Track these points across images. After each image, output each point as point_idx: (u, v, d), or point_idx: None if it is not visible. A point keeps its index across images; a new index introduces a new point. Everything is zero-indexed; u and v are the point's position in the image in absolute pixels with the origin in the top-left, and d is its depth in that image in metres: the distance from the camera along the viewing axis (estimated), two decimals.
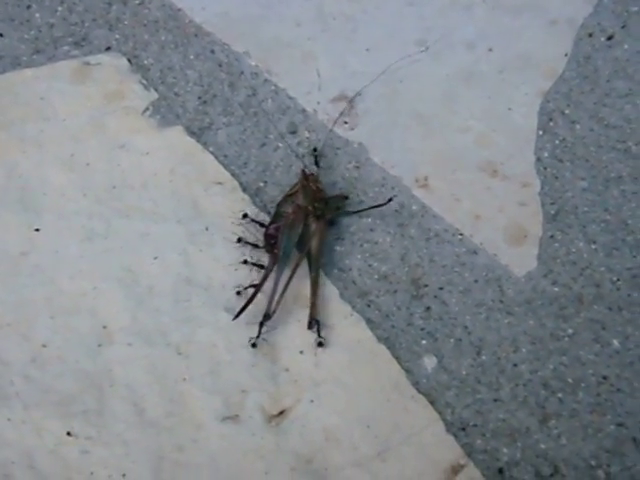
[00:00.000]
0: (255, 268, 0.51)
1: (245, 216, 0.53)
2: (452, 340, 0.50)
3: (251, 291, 0.50)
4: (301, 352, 0.49)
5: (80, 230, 0.53)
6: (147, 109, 0.57)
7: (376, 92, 0.56)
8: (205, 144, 0.56)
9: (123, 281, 0.51)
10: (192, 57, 0.59)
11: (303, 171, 0.53)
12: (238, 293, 0.51)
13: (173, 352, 0.49)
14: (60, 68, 0.58)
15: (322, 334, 0.49)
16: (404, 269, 0.52)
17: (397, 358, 0.49)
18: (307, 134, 0.56)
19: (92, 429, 0.48)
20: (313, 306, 0.50)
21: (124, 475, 0.47)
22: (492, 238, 0.52)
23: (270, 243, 0.51)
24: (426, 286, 0.51)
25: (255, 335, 0.49)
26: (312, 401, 0.48)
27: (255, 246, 0.52)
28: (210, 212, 0.53)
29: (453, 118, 0.55)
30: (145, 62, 0.59)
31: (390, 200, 0.52)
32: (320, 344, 0.49)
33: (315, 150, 0.54)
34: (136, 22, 0.60)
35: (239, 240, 0.52)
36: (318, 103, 0.57)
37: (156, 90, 0.57)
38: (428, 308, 0.51)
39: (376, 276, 0.52)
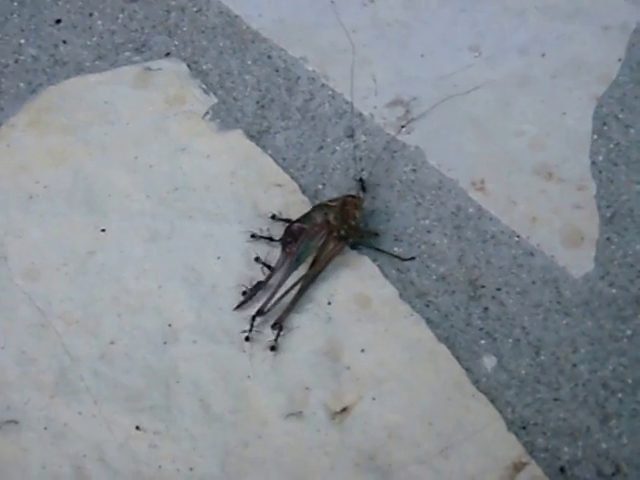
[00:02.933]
0: (265, 268, 0.52)
1: (273, 217, 0.54)
2: (511, 340, 0.51)
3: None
4: (362, 350, 0.50)
5: (144, 230, 0.54)
6: (207, 113, 0.58)
7: (431, 97, 0.57)
8: (264, 147, 0.57)
9: (187, 280, 0.53)
10: (250, 62, 0.60)
11: (351, 195, 0.54)
12: (244, 293, 0.51)
13: (237, 350, 0.51)
14: (122, 73, 0.60)
15: (278, 340, 0.50)
16: (461, 270, 0.53)
17: (457, 357, 0.50)
18: (364, 138, 0.57)
19: (160, 424, 0.49)
20: (287, 311, 0.51)
21: (191, 469, 0.48)
22: (549, 240, 0.53)
23: (287, 240, 0.52)
24: (483, 287, 0.52)
25: (248, 328, 0.49)
26: (374, 399, 0.49)
27: (270, 239, 0.53)
28: (271, 213, 0.54)
29: (507, 122, 0.56)
30: (204, 67, 0.60)
31: (412, 258, 0.52)
32: (272, 348, 0.50)
33: (361, 180, 0.55)
34: (194, 29, 0.62)
35: (253, 236, 0.53)
36: (374, 107, 0.58)
37: (215, 95, 0.59)
38: (486, 309, 0.52)
39: (434, 277, 0.53)
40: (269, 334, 0.50)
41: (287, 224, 0.53)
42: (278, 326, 0.51)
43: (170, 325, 0.52)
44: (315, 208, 0.54)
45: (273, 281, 0.52)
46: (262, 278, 0.52)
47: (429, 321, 0.51)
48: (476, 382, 0.49)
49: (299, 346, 0.51)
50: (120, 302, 0.52)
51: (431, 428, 0.48)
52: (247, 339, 0.50)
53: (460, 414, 0.48)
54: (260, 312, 0.51)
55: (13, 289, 0.53)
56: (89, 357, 0.51)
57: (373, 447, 0.48)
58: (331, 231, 0.53)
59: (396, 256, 0.53)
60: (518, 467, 0.47)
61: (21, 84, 0.60)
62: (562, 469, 0.47)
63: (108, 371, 0.51)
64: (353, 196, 0.54)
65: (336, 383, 0.50)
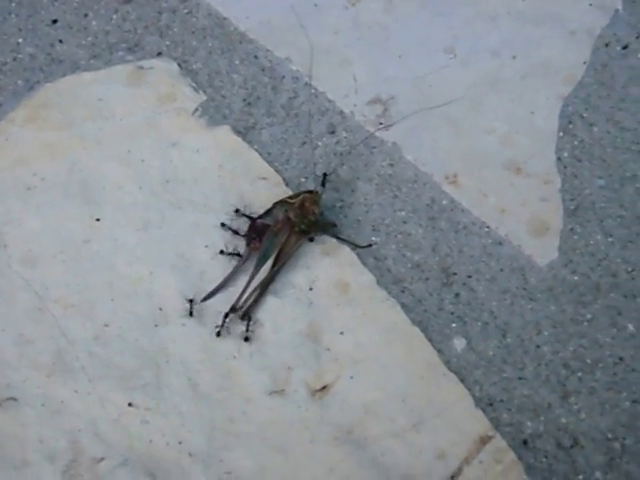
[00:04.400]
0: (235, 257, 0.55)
1: (237, 211, 0.57)
2: (480, 324, 0.54)
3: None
4: (341, 333, 0.54)
5: (137, 220, 0.57)
6: (197, 110, 0.61)
7: (408, 96, 0.61)
8: (250, 142, 0.60)
9: (177, 267, 0.56)
10: (237, 62, 0.63)
11: (309, 191, 0.57)
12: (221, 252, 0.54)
13: (224, 332, 0.54)
14: (116, 72, 0.62)
15: (250, 329, 0.53)
16: (435, 259, 0.56)
17: (430, 339, 0.53)
18: (344, 134, 0.60)
19: (151, 401, 0.52)
20: (255, 303, 0.54)
21: (180, 443, 0.51)
22: (516, 230, 0.56)
23: (251, 235, 0.56)
24: (455, 274, 0.56)
25: (220, 324, 0.52)
26: (352, 377, 0.52)
27: (236, 233, 0.56)
28: (256, 205, 0.57)
29: (480, 120, 0.60)
30: (194, 67, 0.63)
31: (370, 245, 0.56)
32: (246, 339, 0.53)
33: (325, 175, 0.58)
34: (185, 30, 0.65)
35: (222, 225, 0.56)
36: (355, 105, 0.61)
37: (204, 92, 0.62)
38: (457, 294, 0.55)
39: (409, 265, 0.56)
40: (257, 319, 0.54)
41: (250, 220, 0.56)
42: (247, 317, 0.54)
43: (161, 309, 0.55)
44: (276, 205, 0.57)
45: (244, 278, 0.54)
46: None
47: (404, 306, 0.55)
48: (447, 362, 0.53)
49: (282, 329, 0.54)
50: (113, 287, 0.55)
51: (404, 405, 0.52)
52: (218, 334, 0.53)
53: (432, 392, 0.52)
54: (233, 309, 0.54)
55: (12, 275, 0.56)
56: (84, 339, 0.54)
57: (350, 422, 0.51)
58: (292, 227, 0.56)
59: (355, 244, 0.56)
60: (484, 440, 0.51)
61: (19, 81, 0.63)
62: (525, 442, 0.51)
63: (102, 352, 0.54)
64: (311, 191, 0.57)
65: (317, 363, 0.53)
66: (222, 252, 0.56)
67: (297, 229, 0.56)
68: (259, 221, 0.56)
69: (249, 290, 0.54)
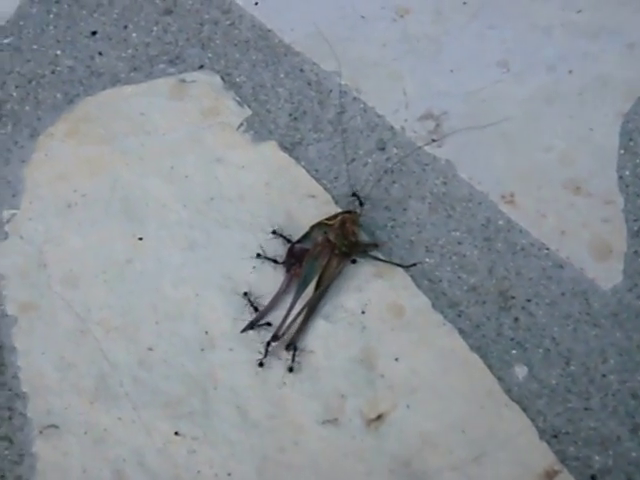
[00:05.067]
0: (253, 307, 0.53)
1: (274, 232, 0.54)
2: (541, 350, 0.52)
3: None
4: (396, 359, 0.52)
5: (182, 239, 0.55)
6: (241, 125, 0.59)
7: (461, 111, 0.59)
8: (297, 159, 0.58)
9: (223, 289, 0.54)
10: (282, 75, 0.62)
11: (348, 211, 0.55)
12: (245, 294, 0.52)
13: (273, 357, 0.52)
14: (158, 85, 0.61)
15: (296, 359, 0.50)
16: (492, 281, 0.54)
17: (489, 366, 0.51)
18: (395, 150, 0.58)
19: (198, 429, 0.50)
20: (299, 331, 0.52)
21: (229, 474, 0.49)
22: (578, 253, 0.54)
23: (290, 261, 0.54)
24: (513, 298, 0.53)
25: (263, 354, 0.50)
26: (408, 406, 0.50)
27: (274, 261, 0.54)
28: (304, 223, 0.55)
29: (536, 137, 0.58)
30: (237, 80, 0.62)
31: (414, 265, 0.53)
32: (291, 369, 0.51)
33: (355, 194, 0.55)
34: (227, 42, 0.63)
35: (258, 255, 0.54)
36: (405, 121, 0.59)
37: (249, 107, 0.60)
38: (516, 319, 0.53)
39: (465, 287, 0.54)
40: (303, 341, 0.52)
41: (288, 244, 0.54)
42: (292, 347, 0.51)
43: (207, 332, 0.53)
44: (314, 228, 0.55)
45: (273, 303, 0.52)
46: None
47: (461, 331, 0.52)
48: (508, 391, 0.50)
49: (334, 354, 0.52)
50: (158, 309, 0.53)
51: (464, 436, 0.49)
52: (261, 365, 0.51)
53: (493, 422, 0.50)
54: (275, 337, 0.52)
55: (52, 296, 0.54)
56: (128, 363, 0.52)
57: (408, 453, 0.49)
58: (333, 249, 0.54)
59: (398, 264, 0.54)
60: (550, 475, 0.48)
61: (58, 95, 0.61)
62: (593, 477, 0.48)
63: (147, 377, 0.52)
64: (350, 212, 0.55)
65: (371, 391, 0.51)
66: (259, 255, 0.54)
67: (337, 251, 0.54)
68: (297, 245, 0.54)
69: (291, 317, 0.52)
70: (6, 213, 0.57)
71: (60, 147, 0.59)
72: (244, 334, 0.52)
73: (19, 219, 0.57)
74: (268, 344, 0.51)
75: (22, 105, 0.61)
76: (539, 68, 0.60)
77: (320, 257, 0.54)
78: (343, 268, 0.54)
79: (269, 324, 0.52)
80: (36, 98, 0.61)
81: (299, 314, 0.52)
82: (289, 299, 0.53)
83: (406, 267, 0.54)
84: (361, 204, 0.55)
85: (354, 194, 0.56)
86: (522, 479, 0.48)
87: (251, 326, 0.52)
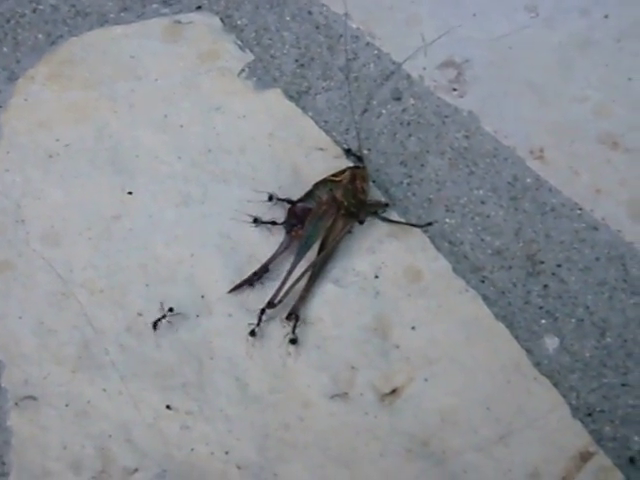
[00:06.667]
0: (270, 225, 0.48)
1: (270, 198, 0.49)
2: (573, 320, 0.47)
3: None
4: (413, 328, 0.47)
5: (175, 194, 0.50)
6: (243, 70, 0.54)
7: (485, 59, 0.53)
8: (304, 108, 0.53)
9: (222, 248, 0.48)
10: (288, 18, 0.56)
11: (356, 166, 0.50)
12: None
13: (276, 324, 0.47)
14: (150, 26, 0.55)
15: (296, 331, 0.45)
16: (518, 244, 0.49)
17: (516, 337, 0.46)
18: (412, 101, 0.53)
19: (192, 403, 0.45)
20: (301, 299, 0.47)
21: (227, 452, 0.44)
22: (614, 213, 0.49)
23: (291, 222, 0.48)
24: (542, 263, 0.48)
25: (256, 322, 0.45)
26: (426, 380, 0.45)
27: (273, 223, 0.48)
28: (312, 179, 0.49)
29: (569, 87, 0.52)
30: (238, 22, 0.56)
31: (429, 224, 0.48)
32: (292, 341, 0.46)
33: (349, 150, 0.50)
34: None
35: (255, 221, 0.49)
36: (424, 69, 0.53)
37: (251, 51, 0.54)
38: (546, 286, 0.48)
39: (489, 251, 0.49)
40: (310, 307, 0.47)
41: (289, 204, 0.49)
42: (294, 317, 0.46)
43: (203, 296, 0.47)
44: (318, 185, 0.49)
45: (267, 264, 0.47)
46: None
47: (485, 298, 0.47)
48: (537, 364, 0.45)
49: (344, 322, 0.47)
50: (148, 270, 0.48)
51: (489, 413, 0.44)
52: (253, 333, 0.46)
53: (521, 399, 0.45)
54: (270, 304, 0.46)
55: (31, 255, 0.49)
56: (114, 329, 0.47)
57: (426, 432, 0.44)
58: (339, 209, 0.49)
59: (412, 224, 0.49)
60: (585, 457, 0.43)
61: (39, 35, 0.55)
62: (632, 459, 0.43)
63: (135, 345, 0.46)
64: (358, 167, 0.50)
65: (385, 362, 0.46)
66: (256, 221, 0.48)
67: (344, 211, 0.48)
68: (299, 204, 0.49)
69: (289, 282, 0.47)
70: None
71: (41, 92, 0.53)
72: (244, 298, 0.46)
73: None
74: (262, 312, 0.46)
75: None
76: (571, 12, 0.55)
77: (325, 217, 0.49)
78: (350, 229, 0.49)
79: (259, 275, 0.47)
80: (15, 39, 0.55)
81: (299, 280, 0.47)
82: (285, 263, 0.47)
83: (422, 227, 0.49)
84: (361, 160, 0.50)
85: (348, 151, 0.50)
86: (553, 461, 0.43)
87: (238, 287, 0.47)
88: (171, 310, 0.46)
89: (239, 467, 0.44)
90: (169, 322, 0.46)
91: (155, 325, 0.46)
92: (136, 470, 0.44)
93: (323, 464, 0.44)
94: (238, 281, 0.47)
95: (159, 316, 0.46)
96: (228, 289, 0.47)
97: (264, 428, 0.44)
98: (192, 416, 0.45)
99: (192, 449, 0.44)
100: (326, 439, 0.44)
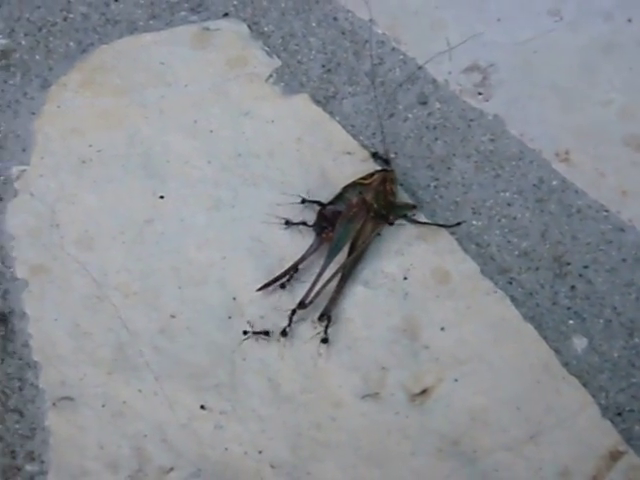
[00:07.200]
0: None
1: (303, 201, 0.50)
2: (601, 321, 0.47)
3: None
4: (442, 329, 0.47)
5: (206, 198, 0.51)
6: (270, 76, 0.54)
7: (510, 63, 0.54)
8: (331, 113, 0.53)
9: (252, 251, 0.49)
10: (314, 24, 0.57)
11: (384, 169, 0.50)
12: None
13: (308, 326, 0.47)
14: (179, 33, 0.56)
15: (328, 331, 0.46)
16: (545, 246, 0.49)
17: (544, 338, 0.47)
18: (438, 105, 0.53)
19: (226, 403, 0.46)
20: (332, 301, 0.47)
21: (260, 452, 0.45)
22: None
23: (321, 224, 0.49)
24: (569, 264, 0.49)
25: (287, 323, 0.46)
26: (456, 380, 0.46)
27: (303, 224, 0.49)
28: (340, 182, 0.50)
29: (593, 90, 0.53)
30: (265, 29, 0.57)
31: (458, 224, 0.49)
32: (324, 340, 0.46)
33: (376, 154, 0.51)
34: None
35: (286, 222, 0.49)
36: (449, 73, 0.54)
37: (279, 57, 0.55)
38: (573, 287, 0.48)
39: (516, 252, 0.49)
40: (340, 308, 0.47)
41: (320, 207, 0.50)
42: (326, 317, 0.47)
43: (235, 298, 0.48)
44: (347, 188, 0.50)
45: (296, 265, 0.48)
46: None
47: (513, 299, 0.48)
48: (566, 364, 0.46)
49: (374, 323, 0.47)
50: (181, 273, 0.49)
51: (519, 412, 0.45)
52: (284, 333, 0.46)
53: (550, 398, 0.45)
54: (302, 305, 0.47)
55: (65, 258, 0.50)
56: (148, 331, 0.48)
57: (456, 432, 0.45)
58: (368, 211, 0.49)
59: (440, 225, 0.49)
60: (615, 456, 0.44)
61: (71, 43, 0.56)
62: None
63: (169, 346, 0.47)
64: (386, 170, 0.50)
65: (415, 363, 0.47)
66: (287, 222, 0.49)
67: (373, 213, 0.49)
68: (329, 207, 0.50)
69: (320, 284, 0.48)
70: (15, 169, 0.52)
71: (74, 98, 0.54)
72: (275, 300, 0.47)
73: (29, 175, 0.52)
74: (293, 312, 0.47)
75: (32, 54, 0.56)
76: (595, 16, 0.55)
77: (355, 220, 0.49)
78: (379, 232, 0.50)
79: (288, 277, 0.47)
80: (47, 47, 0.56)
81: (329, 281, 0.48)
82: (315, 264, 0.48)
83: (450, 227, 0.49)
84: (388, 162, 0.50)
85: (375, 154, 0.51)
86: (584, 460, 0.44)
87: (267, 285, 0.47)
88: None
89: (272, 466, 0.45)
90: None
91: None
92: (171, 469, 0.45)
93: (355, 463, 0.44)
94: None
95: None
96: (260, 291, 0.48)
97: (296, 428, 0.45)
98: (225, 416, 0.46)
99: (226, 449, 0.45)
100: (358, 438, 0.45)
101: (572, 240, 0.50)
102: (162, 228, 0.50)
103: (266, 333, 0.47)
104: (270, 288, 0.48)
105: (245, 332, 0.47)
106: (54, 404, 0.46)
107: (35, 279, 0.49)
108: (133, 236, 0.50)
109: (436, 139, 0.53)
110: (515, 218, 0.50)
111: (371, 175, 0.50)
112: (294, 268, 0.48)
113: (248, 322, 0.47)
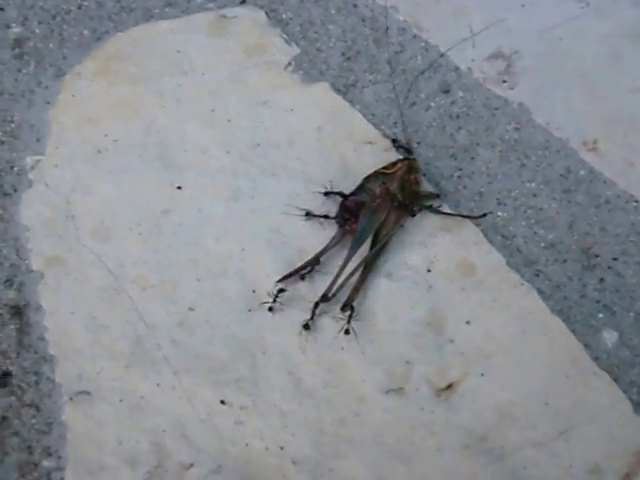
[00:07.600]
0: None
1: (326, 194, 0.48)
2: (632, 314, 0.46)
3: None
4: (467, 322, 0.46)
5: (224, 188, 0.50)
6: (289, 64, 0.53)
7: (535, 50, 0.52)
8: (352, 102, 0.52)
9: (272, 243, 0.48)
10: (333, 12, 0.55)
11: (407, 158, 0.49)
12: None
13: (329, 319, 0.46)
14: (196, 21, 0.55)
15: (352, 322, 0.45)
16: (573, 237, 0.48)
17: (573, 331, 0.45)
18: (461, 93, 0.52)
19: (246, 398, 0.45)
20: (355, 291, 0.46)
21: (282, 448, 0.44)
22: None
23: (344, 216, 0.48)
24: (598, 256, 0.48)
25: (309, 316, 0.45)
26: (482, 375, 0.45)
27: (325, 217, 0.48)
28: (361, 172, 0.49)
29: (620, 78, 0.51)
30: (284, 16, 0.55)
31: (484, 215, 0.48)
32: (347, 332, 0.45)
33: (395, 141, 0.50)
34: None
35: (307, 214, 0.48)
36: (472, 61, 0.53)
37: (297, 45, 0.54)
38: (602, 280, 0.47)
39: (543, 244, 0.48)
40: (363, 301, 0.46)
41: (342, 198, 0.48)
42: (349, 307, 0.46)
43: (254, 291, 0.47)
44: (369, 178, 0.49)
45: (318, 256, 0.47)
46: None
47: (540, 291, 0.47)
48: (596, 359, 0.45)
49: (398, 317, 0.46)
50: (199, 265, 0.48)
51: (547, 408, 0.44)
52: (307, 327, 0.45)
53: (580, 393, 0.44)
54: (325, 298, 0.46)
55: (81, 250, 0.49)
56: (166, 324, 0.47)
57: (483, 427, 0.44)
58: (392, 201, 0.48)
59: (465, 216, 0.48)
60: None
61: (85, 31, 0.55)
62: None
63: (188, 340, 0.46)
64: (409, 159, 0.49)
65: (440, 357, 0.45)
66: (308, 214, 0.48)
67: (397, 203, 0.48)
68: (351, 198, 0.48)
69: (343, 276, 0.46)
70: (30, 159, 0.51)
71: (89, 87, 0.53)
72: (296, 292, 0.46)
73: (44, 166, 0.51)
74: (316, 305, 0.46)
75: (46, 43, 0.55)
76: (622, 2, 0.54)
77: (379, 210, 0.48)
78: (403, 223, 0.49)
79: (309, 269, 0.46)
80: (61, 35, 0.55)
81: (352, 273, 0.46)
82: (337, 257, 0.47)
83: (475, 218, 0.48)
84: (410, 151, 0.49)
85: (394, 141, 0.50)
86: (615, 457, 0.42)
87: (288, 277, 0.46)
88: (282, 291, 0.46)
89: (294, 462, 0.43)
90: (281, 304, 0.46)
91: (271, 309, 0.46)
92: (192, 465, 0.44)
93: (379, 460, 0.43)
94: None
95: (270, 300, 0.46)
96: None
97: (319, 423, 0.44)
98: (246, 411, 0.44)
99: (247, 444, 0.44)
100: (382, 434, 0.44)
101: (601, 231, 0.48)
102: (179, 219, 0.49)
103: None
104: (290, 279, 0.47)
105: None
106: (71, 398, 0.45)
107: (50, 271, 0.48)
108: (150, 227, 0.49)
109: (459, 128, 0.52)
110: (542, 209, 0.49)
111: (394, 164, 0.49)
112: (316, 260, 0.48)
113: (268, 293, 0.46)
